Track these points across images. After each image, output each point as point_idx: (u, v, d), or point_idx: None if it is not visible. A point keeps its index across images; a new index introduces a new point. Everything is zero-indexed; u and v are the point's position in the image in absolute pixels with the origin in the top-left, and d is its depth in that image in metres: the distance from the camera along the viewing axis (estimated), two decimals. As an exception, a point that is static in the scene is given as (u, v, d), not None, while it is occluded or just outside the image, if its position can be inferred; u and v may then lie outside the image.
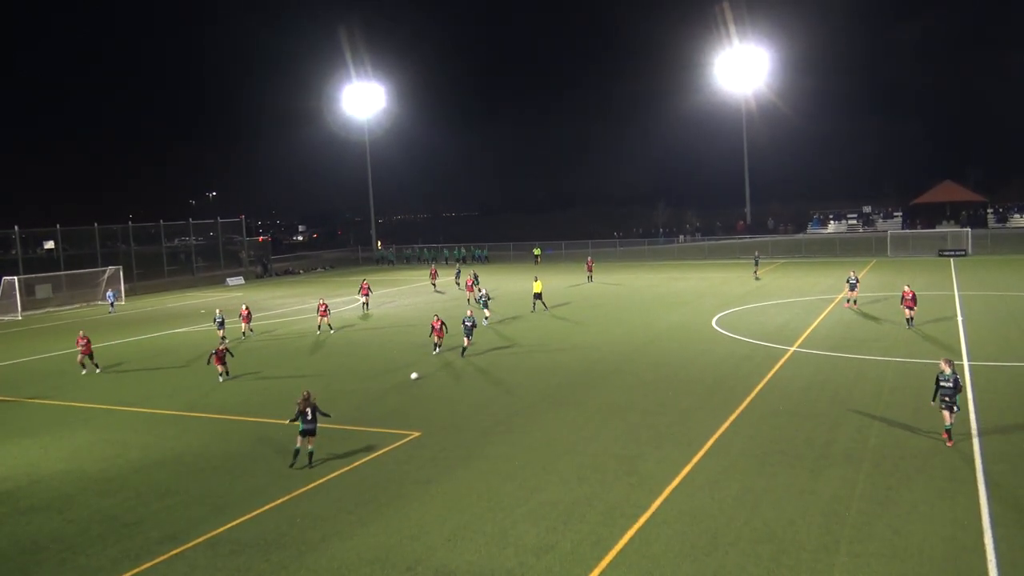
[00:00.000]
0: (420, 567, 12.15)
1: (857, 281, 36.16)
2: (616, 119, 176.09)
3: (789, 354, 26.44)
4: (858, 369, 23.97)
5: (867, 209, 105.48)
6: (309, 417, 16.65)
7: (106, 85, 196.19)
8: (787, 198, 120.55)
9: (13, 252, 60.91)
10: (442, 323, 29.80)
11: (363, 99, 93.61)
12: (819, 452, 16.49)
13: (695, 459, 16.36)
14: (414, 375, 21.77)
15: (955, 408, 16.54)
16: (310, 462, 16.90)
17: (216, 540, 13.52)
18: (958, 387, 16.52)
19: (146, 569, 12.56)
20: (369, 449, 17.99)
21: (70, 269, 58.61)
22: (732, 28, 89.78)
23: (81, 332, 30.18)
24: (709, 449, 16.99)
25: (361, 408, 22.08)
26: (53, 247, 67.25)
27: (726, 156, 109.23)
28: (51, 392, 26.30)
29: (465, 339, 28.59)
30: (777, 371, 24.02)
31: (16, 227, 60.55)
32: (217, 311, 35.75)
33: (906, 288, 30.93)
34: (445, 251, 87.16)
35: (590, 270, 54.85)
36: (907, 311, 30.40)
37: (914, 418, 18.50)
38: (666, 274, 58.98)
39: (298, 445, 16.92)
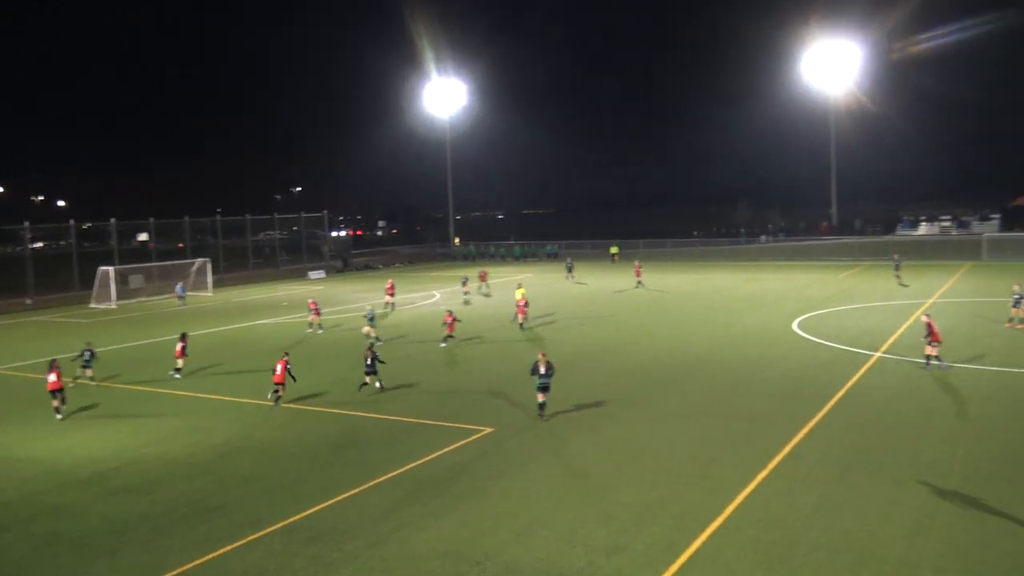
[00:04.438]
0: (489, 562, 12.23)
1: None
2: (698, 117, 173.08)
3: (874, 360, 25.58)
4: (949, 377, 23.04)
5: (963, 213, 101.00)
6: (543, 371, 19.62)
7: (204, 89, 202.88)
8: (876, 199, 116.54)
9: (110, 243, 63.80)
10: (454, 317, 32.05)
11: (444, 96, 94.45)
12: (903, 463, 15.91)
13: (771, 465, 16.01)
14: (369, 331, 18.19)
15: None
16: (541, 412, 19.79)
17: (293, 527, 13.89)
18: None
19: (227, 552, 13.00)
20: (442, 443, 18.19)
21: (162, 261, 61.03)
22: (822, 22, 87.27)
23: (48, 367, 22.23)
24: (786, 456, 16.60)
25: (435, 402, 22.34)
26: (147, 238, 70.16)
27: (812, 155, 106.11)
28: (142, 378, 27.39)
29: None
30: (860, 378, 23.26)
31: (112, 219, 63.33)
32: (368, 306, 34.46)
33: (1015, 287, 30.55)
34: (517, 249, 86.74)
35: (638, 276, 50.55)
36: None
37: (1007, 430, 17.69)
38: (746, 275, 57.78)
39: (540, 400, 19.70)
